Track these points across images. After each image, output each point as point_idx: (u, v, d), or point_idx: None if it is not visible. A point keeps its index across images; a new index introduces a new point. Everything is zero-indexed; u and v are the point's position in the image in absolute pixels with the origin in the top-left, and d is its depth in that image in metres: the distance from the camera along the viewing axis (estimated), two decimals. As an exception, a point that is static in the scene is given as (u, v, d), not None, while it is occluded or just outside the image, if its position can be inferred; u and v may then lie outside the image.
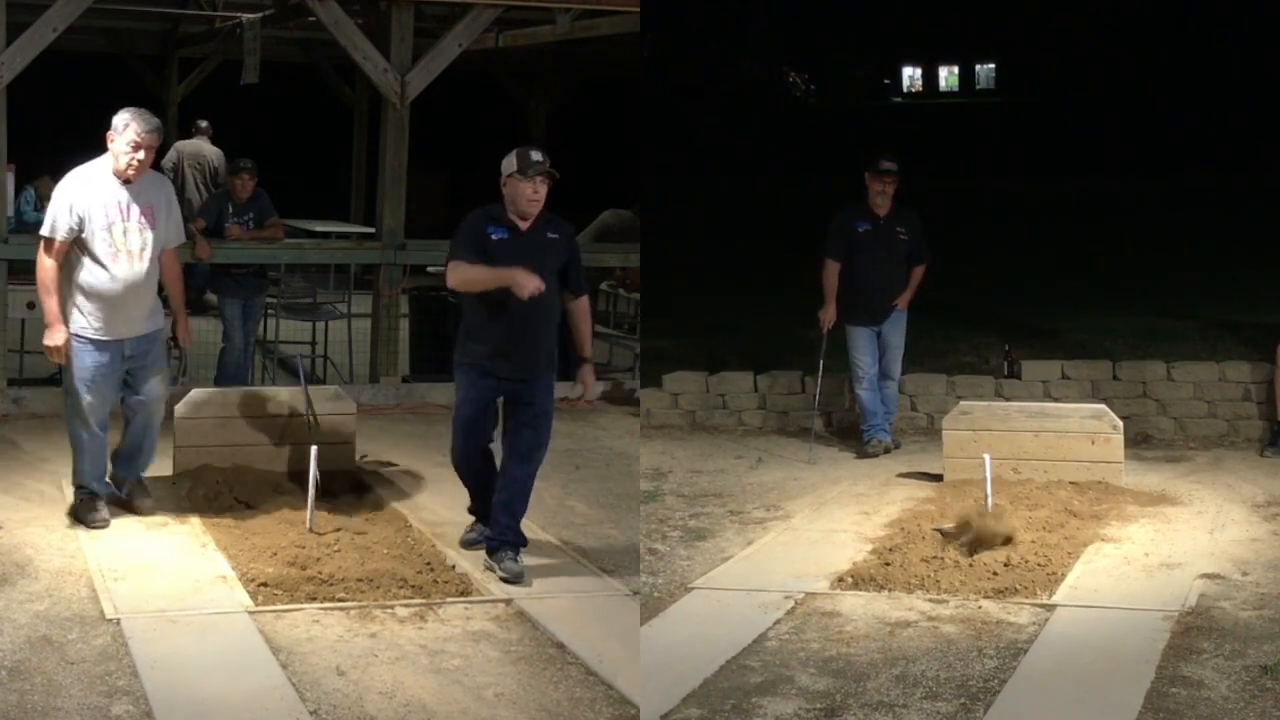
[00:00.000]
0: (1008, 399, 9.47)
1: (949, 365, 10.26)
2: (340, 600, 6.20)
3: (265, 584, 6.31)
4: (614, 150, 17.07)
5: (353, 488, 8.04)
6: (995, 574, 6.55)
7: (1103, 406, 8.52)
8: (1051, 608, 6.17)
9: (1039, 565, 6.66)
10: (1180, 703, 5.16)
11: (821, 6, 45.41)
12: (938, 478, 8.42)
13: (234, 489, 7.78)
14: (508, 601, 6.32)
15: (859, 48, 49.57)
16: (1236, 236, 16.05)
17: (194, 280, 11.72)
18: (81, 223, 6.99)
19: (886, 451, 9.26)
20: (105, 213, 7.04)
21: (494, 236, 6.67)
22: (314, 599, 6.19)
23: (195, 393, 8.47)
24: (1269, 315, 10.55)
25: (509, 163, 6.67)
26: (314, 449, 7.15)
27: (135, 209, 7.10)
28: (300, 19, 12.78)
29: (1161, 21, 40.57)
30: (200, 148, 15.85)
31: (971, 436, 8.29)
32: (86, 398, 7.18)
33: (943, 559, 6.71)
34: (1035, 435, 8.29)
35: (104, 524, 7.20)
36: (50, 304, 7.04)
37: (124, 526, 7.26)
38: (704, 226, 19.30)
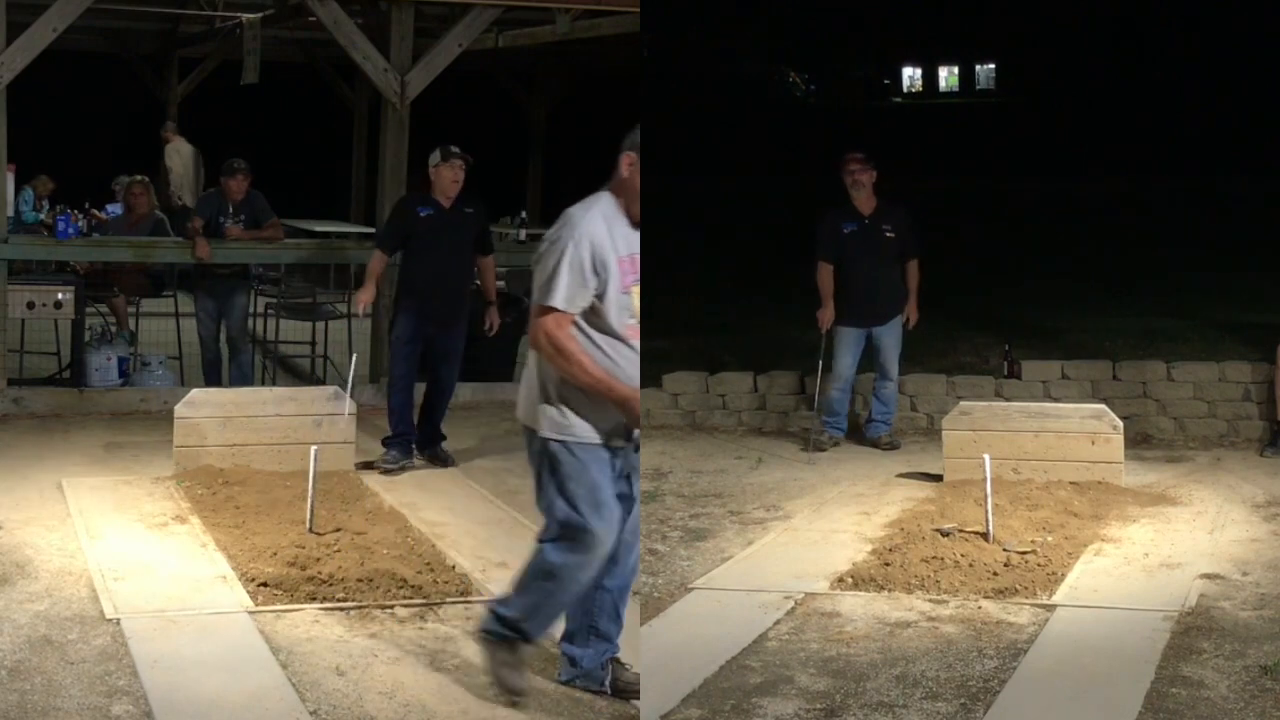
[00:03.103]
0: (1008, 399, 9.45)
1: (949, 365, 10.25)
2: (340, 600, 6.19)
3: (265, 584, 6.31)
4: (614, 150, 17.03)
5: (353, 488, 8.04)
6: (995, 574, 6.54)
7: (1103, 406, 8.50)
8: (1051, 608, 6.17)
9: (1039, 565, 6.65)
10: (1180, 703, 5.16)
11: (821, 6, 45.45)
12: (938, 478, 8.41)
13: (234, 489, 7.79)
14: (508, 601, 6.31)
15: (859, 48, 49.65)
16: (1236, 236, 16.03)
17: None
18: (603, 284, 5.02)
19: (835, 445, 9.29)
20: (623, 270, 5.07)
21: (422, 214, 8.82)
22: (314, 599, 6.19)
23: (195, 393, 8.48)
24: (1269, 315, 10.54)
25: (434, 157, 8.81)
26: (314, 449, 7.14)
27: (638, 262, 5.16)
28: (300, 19, 12.79)
29: (1161, 21, 40.60)
30: (182, 147, 16.04)
31: (971, 436, 8.28)
32: (599, 525, 5.08)
33: (943, 559, 6.71)
34: (1035, 435, 8.28)
35: (524, 693, 5.29)
36: (599, 374, 5.01)
37: (124, 527, 7.26)
38: (704, 226, 19.27)
